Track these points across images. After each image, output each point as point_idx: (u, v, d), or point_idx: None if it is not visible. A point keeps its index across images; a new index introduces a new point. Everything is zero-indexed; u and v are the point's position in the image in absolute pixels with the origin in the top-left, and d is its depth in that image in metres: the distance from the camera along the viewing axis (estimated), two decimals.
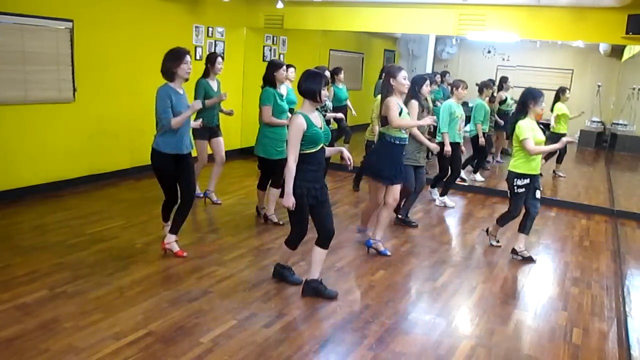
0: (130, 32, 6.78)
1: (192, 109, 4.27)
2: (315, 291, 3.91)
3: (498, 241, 5.37)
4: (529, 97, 4.71)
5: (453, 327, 3.66)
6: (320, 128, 3.69)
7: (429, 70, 11.58)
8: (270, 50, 9.40)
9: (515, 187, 4.80)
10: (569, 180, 8.88)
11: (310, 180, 3.68)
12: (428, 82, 5.46)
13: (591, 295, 4.33)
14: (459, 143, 6.47)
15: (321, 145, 3.71)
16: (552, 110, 8.69)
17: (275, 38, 9.50)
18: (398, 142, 4.67)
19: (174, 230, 4.48)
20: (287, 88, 7.10)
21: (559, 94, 8.67)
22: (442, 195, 6.86)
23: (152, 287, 3.89)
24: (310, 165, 3.67)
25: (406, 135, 4.74)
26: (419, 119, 5.24)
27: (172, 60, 4.18)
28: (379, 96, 5.46)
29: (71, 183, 6.32)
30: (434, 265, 4.77)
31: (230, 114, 5.93)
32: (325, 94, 3.71)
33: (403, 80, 4.58)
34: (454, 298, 4.12)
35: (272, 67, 5.23)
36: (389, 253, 4.90)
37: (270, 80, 5.22)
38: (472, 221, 6.36)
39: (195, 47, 7.84)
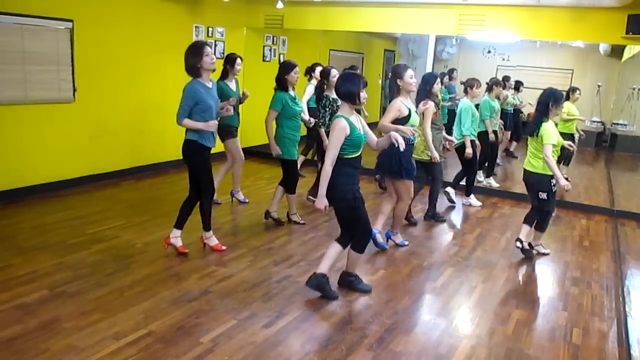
0: (130, 32, 6.78)
1: (206, 126, 4.18)
2: (319, 287, 3.89)
3: (543, 250, 5.19)
4: (551, 99, 4.66)
5: (453, 327, 3.66)
6: (361, 131, 3.65)
7: (429, 70, 11.59)
8: (270, 50, 9.41)
9: (553, 187, 4.75)
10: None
11: (355, 183, 3.71)
12: (439, 80, 5.49)
13: (591, 295, 4.33)
14: (473, 140, 6.59)
15: (361, 149, 3.67)
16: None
17: (275, 38, 9.50)
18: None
19: (180, 226, 4.53)
20: (313, 86, 7.12)
21: (569, 94, 8.65)
22: (467, 194, 6.90)
23: (152, 287, 3.89)
24: (354, 168, 3.67)
25: (412, 137, 4.69)
26: (439, 116, 5.43)
27: (194, 56, 4.11)
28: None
29: (71, 183, 6.32)
30: (434, 265, 4.77)
31: (244, 96, 5.85)
32: (364, 96, 3.61)
33: (410, 79, 4.52)
34: (454, 298, 4.12)
35: (283, 70, 5.12)
36: (386, 246, 5.03)
37: (281, 83, 5.13)
38: (472, 221, 6.35)
39: None
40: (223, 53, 8.35)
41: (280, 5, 7.74)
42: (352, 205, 3.69)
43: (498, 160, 9.85)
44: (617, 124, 12.40)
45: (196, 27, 7.82)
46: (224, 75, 5.70)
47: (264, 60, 9.21)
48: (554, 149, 4.65)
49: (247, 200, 6.21)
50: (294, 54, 9.62)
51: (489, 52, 14.78)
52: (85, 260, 4.27)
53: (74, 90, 6.20)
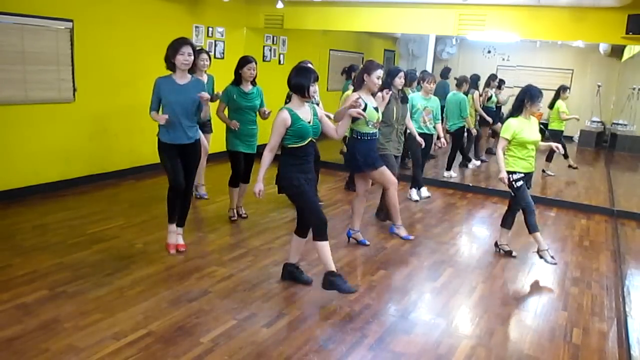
0: (130, 32, 6.78)
1: (157, 119, 4.26)
2: (291, 275, 4.12)
3: (512, 252, 5.08)
4: (526, 96, 4.67)
5: (453, 327, 3.65)
6: (309, 122, 3.75)
7: (429, 70, 11.59)
8: (270, 50, 9.41)
9: (514, 183, 4.79)
10: (569, 181, 8.88)
11: (301, 172, 3.79)
12: (402, 74, 5.46)
13: (591, 295, 4.33)
14: (422, 133, 6.60)
15: (309, 139, 3.77)
16: (551, 107, 8.76)
17: (275, 38, 9.50)
18: (364, 138, 4.76)
19: (179, 223, 4.63)
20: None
21: (560, 92, 8.77)
22: (414, 187, 7.05)
23: (152, 287, 3.89)
24: (298, 158, 3.79)
25: (374, 130, 4.79)
26: (396, 111, 5.43)
27: (171, 50, 4.19)
28: (349, 90, 5.85)
29: (71, 183, 6.32)
30: (434, 265, 4.77)
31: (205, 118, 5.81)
32: (314, 89, 3.77)
33: (376, 79, 4.64)
34: (454, 298, 4.12)
35: (238, 65, 5.24)
36: (367, 243, 5.12)
37: (234, 76, 5.26)
38: (472, 221, 6.36)
39: None
40: (223, 53, 8.37)
41: (280, 5, 7.73)
42: (298, 191, 3.80)
43: (483, 157, 9.91)
44: (617, 124, 12.40)
45: (196, 27, 7.82)
46: (191, 70, 5.68)
47: (264, 60, 9.21)
48: (528, 145, 4.68)
49: (205, 197, 6.25)
50: (294, 54, 9.63)
51: (489, 52, 14.80)
52: (85, 260, 4.27)
53: (74, 90, 6.20)
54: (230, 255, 4.63)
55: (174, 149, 4.36)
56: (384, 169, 4.94)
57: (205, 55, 5.78)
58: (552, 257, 4.92)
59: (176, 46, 4.17)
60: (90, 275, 3.99)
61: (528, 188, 4.88)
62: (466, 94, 8.46)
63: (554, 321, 3.84)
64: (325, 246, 3.80)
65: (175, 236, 4.60)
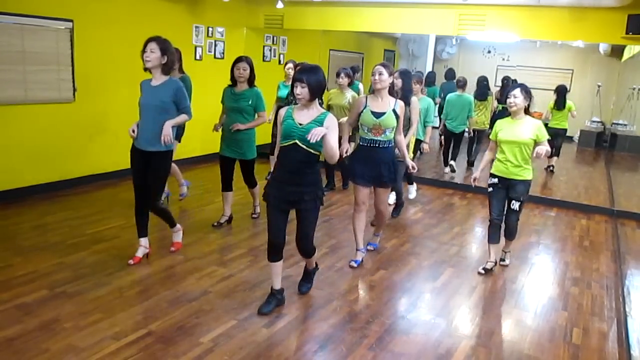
0: (130, 32, 6.77)
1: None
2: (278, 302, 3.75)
3: (502, 260, 4.85)
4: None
5: (453, 327, 3.65)
6: (300, 124, 3.38)
7: (429, 70, 11.59)
8: (270, 50, 9.41)
9: (488, 186, 4.59)
10: (569, 181, 8.88)
11: (276, 179, 3.50)
12: (396, 74, 5.19)
13: (591, 295, 4.33)
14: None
15: (292, 141, 3.38)
16: (561, 108, 8.78)
17: (275, 38, 9.51)
18: (362, 144, 4.43)
19: (170, 225, 4.49)
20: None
21: (565, 92, 8.87)
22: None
23: (152, 287, 3.89)
24: (283, 158, 3.48)
25: (371, 137, 4.36)
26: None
27: None
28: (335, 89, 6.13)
29: (71, 183, 6.32)
30: (434, 265, 4.77)
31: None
32: (297, 91, 3.38)
33: (371, 76, 4.39)
34: (454, 298, 4.12)
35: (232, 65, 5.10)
36: (369, 249, 4.95)
37: (230, 77, 5.10)
38: (472, 221, 6.36)
39: (195, 47, 7.83)
40: (223, 53, 8.37)
41: (280, 5, 7.74)
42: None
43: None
44: (617, 124, 12.40)
45: (196, 27, 7.82)
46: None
47: (264, 60, 9.21)
48: (505, 147, 4.38)
49: (171, 193, 6.09)
50: (294, 54, 9.63)
51: (489, 52, 14.81)
52: (85, 260, 4.27)
53: (74, 90, 6.20)
54: (230, 255, 4.63)
55: (137, 154, 4.05)
56: (357, 187, 4.49)
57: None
58: (487, 269, 4.64)
59: (143, 46, 3.92)
60: (90, 275, 3.99)
61: (514, 200, 4.45)
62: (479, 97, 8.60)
63: (554, 321, 3.84)
64: (272, 266, 3.62)
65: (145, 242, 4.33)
